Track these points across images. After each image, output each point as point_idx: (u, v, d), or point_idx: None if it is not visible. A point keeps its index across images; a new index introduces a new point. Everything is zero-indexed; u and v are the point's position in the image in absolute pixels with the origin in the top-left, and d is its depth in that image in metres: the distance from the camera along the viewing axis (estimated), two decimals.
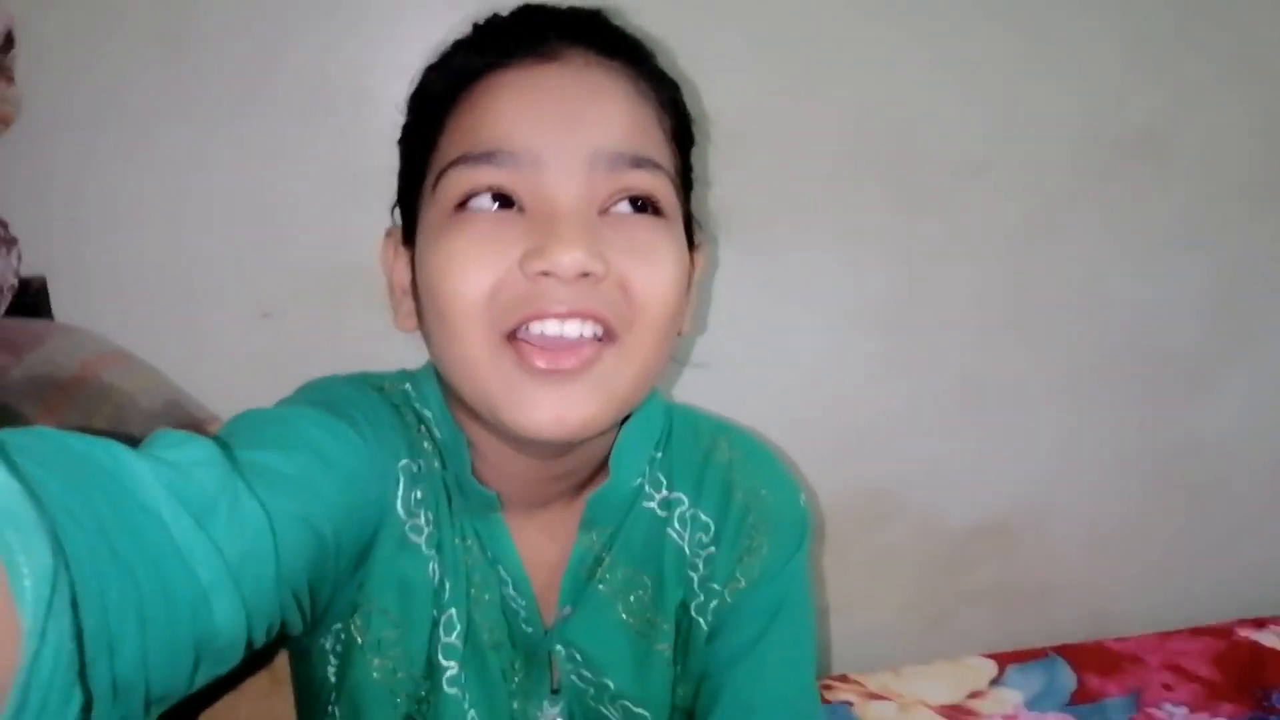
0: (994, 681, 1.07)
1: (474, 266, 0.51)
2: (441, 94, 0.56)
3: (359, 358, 0.86)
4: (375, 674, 0.59)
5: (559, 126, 0.51)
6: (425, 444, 0.60)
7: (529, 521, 0.64)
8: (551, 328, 0.51)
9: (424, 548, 0.59)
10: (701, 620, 0.68)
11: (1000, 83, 0.93)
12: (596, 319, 0.51)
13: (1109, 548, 1.12)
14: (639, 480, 0.66)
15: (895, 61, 0.91)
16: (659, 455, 0.67)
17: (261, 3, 0.84)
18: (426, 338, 0.57)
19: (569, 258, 0.49)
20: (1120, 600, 1.14)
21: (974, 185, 0.96)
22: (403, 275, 0.60)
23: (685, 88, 0.61)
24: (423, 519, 0.59)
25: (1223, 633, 1.11)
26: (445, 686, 0.60)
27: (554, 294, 0.50)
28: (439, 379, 0.62)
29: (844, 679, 1.06)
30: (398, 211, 0.62)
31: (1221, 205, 1.00)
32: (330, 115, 0.87)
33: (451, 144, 0.54)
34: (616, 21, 0.59)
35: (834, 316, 0.98)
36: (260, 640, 0.45)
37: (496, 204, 0.52)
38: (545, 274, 0.50)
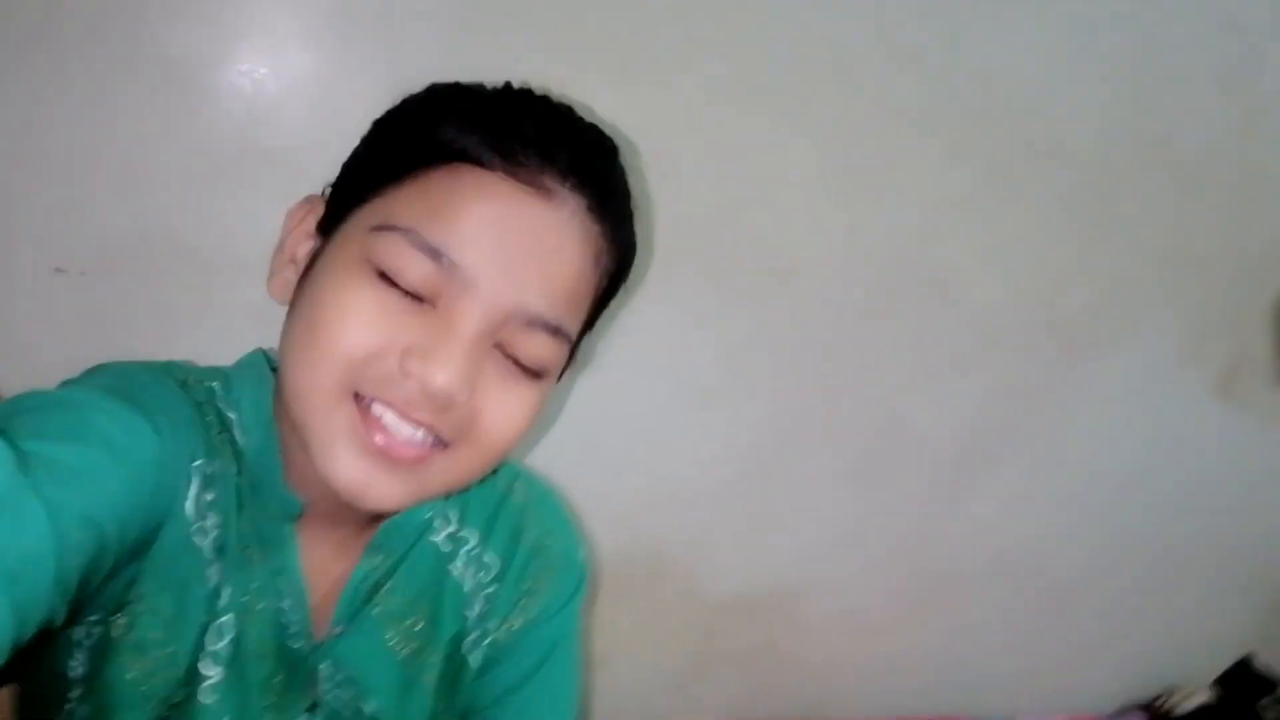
0: None
1: (364, 329, 0.52)
2: (435, 145, 0.55)
3: (154, 327, 0.83)
4: (130, 674, 0.56)
5: (507, 268, 0.52)
6: (223, 447, 0.59)
7: (318, 537, 0.63)
8: (393, 418, 0.53)
9: (206, 551, 0.57)
10: (470, 657, 0.69)
11: (824, 203, 1.03)
12: (436, 435, 0.54)
13: (851, 631, 1.23)
14: (429, 514, 0.67)
15: (737, 163, 0.99)
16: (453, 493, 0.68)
17: None
18: (285, 331, 0.57)
19: (444, 380, 0.51)
20: (851, 681, 1.25)
21: (785, 289, 1.05)
22: (298, 249, 0.60)
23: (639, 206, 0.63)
24: (210, 522, 0.57)
25: None
26: (202, 695, 0.58)
27: (413, 397, 0.52)
28: (264, 378, 0.61)
29: None
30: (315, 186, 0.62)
31: (987, 342, 1.14)
32: (169, 79, 0.84)
33: (411, 204, 0.53)
34: (621, 173, 0.60)
35: (637, 385, 1.03)
36: (26, 640, 0.44)
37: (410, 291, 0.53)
38: (414, 378, 0.52)
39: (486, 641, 0.69)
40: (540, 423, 0.58)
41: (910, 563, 1.22)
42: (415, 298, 0.53)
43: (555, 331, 0.56)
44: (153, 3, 0.82)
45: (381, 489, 0.54)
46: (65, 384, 0.55)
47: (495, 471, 0.71)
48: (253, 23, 0.84)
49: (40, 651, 0.60)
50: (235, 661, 0.60)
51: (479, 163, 0.54)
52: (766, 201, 1.02)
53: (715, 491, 1.11)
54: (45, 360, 0.60)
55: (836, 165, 1.02)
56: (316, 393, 0.53)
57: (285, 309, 0.60)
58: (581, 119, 0.60)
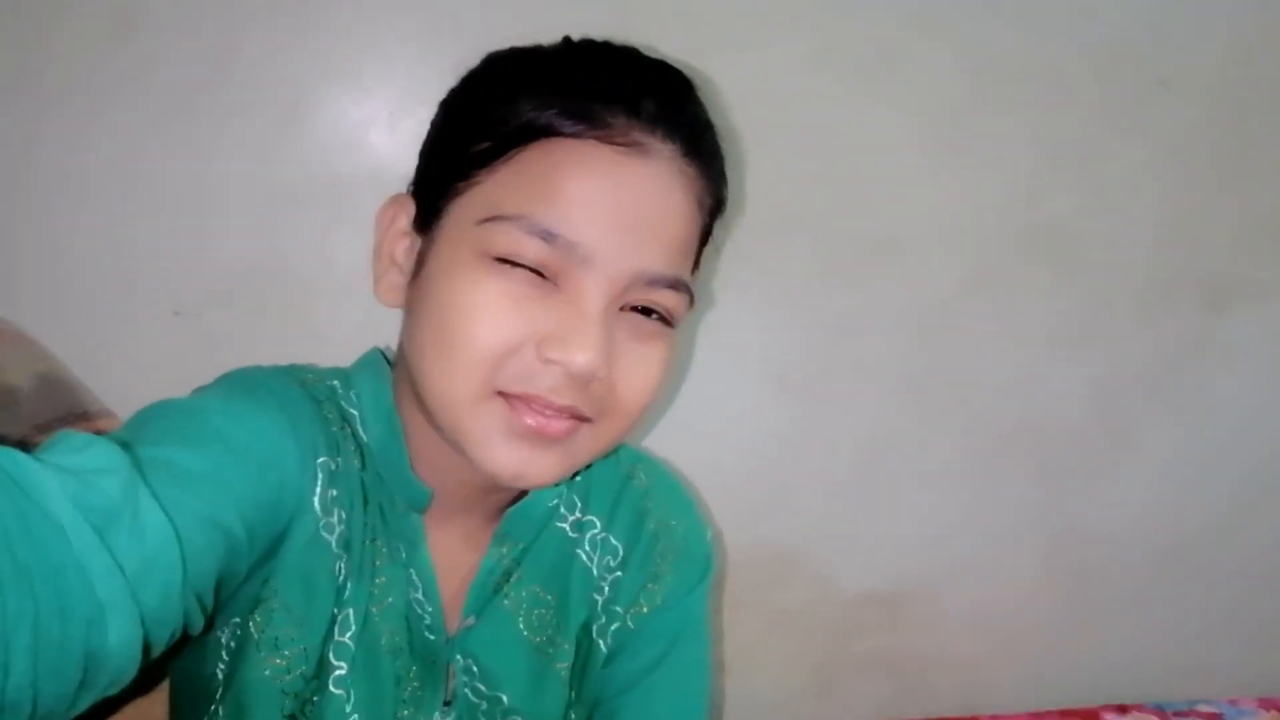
0: None
1: (497, 326, 0.53)
2: (521, 124, 0.54)
3: (275, 360, 0.85)
4: (267, 671, 0.57)
5: (622, 236, 0.53)
6: (345, 442, 0.60)
7: (445, 528, 0.63)
8: (539, 406, 0.54)
9: (334, 545, 0.58)
10: (601, 643, 0.68)
11: (924, 169, 0.99)
12: (579, 414, 0.55)
13: (992, 624, 1.15)
14: (555, 501, 0.67)
15: (831, 133, 0.96)
16: (577, 479, 0.69)
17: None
18: (412, 336, 0.57)
19: (585, 359, 0.52)
20: (1000, 678, 1.17)
21: (891, 262, 1.01)
22: (396, 250, 0.60)
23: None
24: (336, 517, 0.58)
25: (1090, 716, 1.15)
26: (331, 687, 0.58)
27: (554, 384, 0.53)
28: (392, 374, 0.62)
29: None
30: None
31: (1115, 305, 1.07)
32: (266, 120, 0.86)
33: (515, 190, 0.53)
34: (703, 107, 0.60)
35: (749, 373, 1.00)
36: (160, 648, 0.44)
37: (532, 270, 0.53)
38: (556, 363, 0.52)
39: (615, 627, 0.68)
40: (674, 375, 0.58)
41: (1051, 546, 1.14)
42: (538, 277, 0.53)
43: (675, 285, 0.56)
44: (293, 51, 0.85)
45: (538, 466, 0.55)
46: (195, 391, 0.57)
47: (616, 455, 0.71)
48: (353, 53, 0.86)
49: (186, 657, 0.61)
50: (365, 655, 0.60)
51: (568, 135, 0.53)
52: (863, 171, 0.98)
53: (835, 482, 1.06)
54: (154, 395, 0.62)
55: (933, 126, 0.98)
56: (463, 396, 0.54)
57: (396, 312, 0.60)
58: (649, 59, 0.59)
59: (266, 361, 0.89)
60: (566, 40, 0.60)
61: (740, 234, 0.96)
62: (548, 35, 0.61)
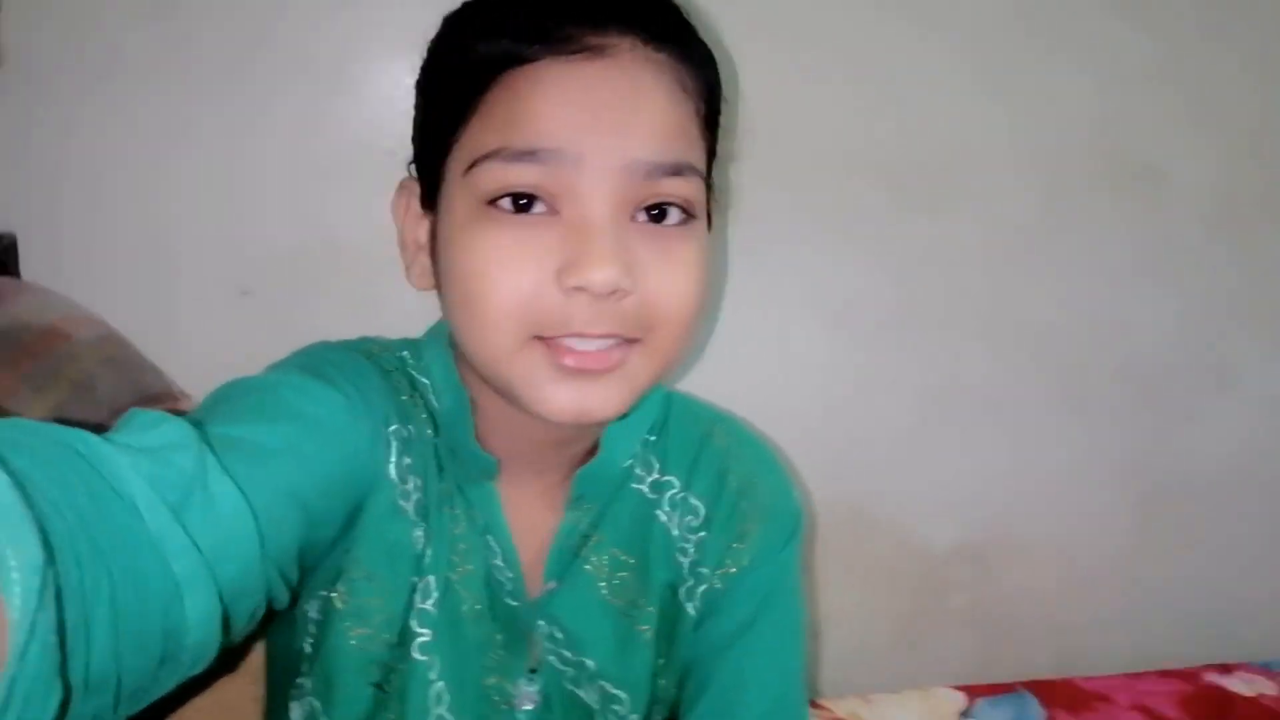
0: (963, 714, 1.04)
1: (510, 271, 0.51)
2: (477, 67, 0.54)
3: (339, 335, 0.85)
4: (353, 640, 0.57)
5: (601, 133, 0.51)
6: (417, 411, 0.60)
7: (521, 493, 0.63)
8: (577, 341, 0.52)
9: (411, 514, 0.58)
10: (690, 606, 0.67)
11: (993, 98, 0.95)
12: (623, 338, 0.53)
13: (1085, 580, 1.11)
14: (629, 461, 0.66)
15: (896, 65, 0.92)
16: (653, 439, 0.67)
17: None
18: (446, 311, 0.57)
19: (602, 275, 0.50)
20: (1092, 637, 1.14)
21: (960, 197, 0.97)
22: (417, 233, 0.59)
23: (721, 64, 0.60)
24: (411, 485, 0.58)
25: (1191, 676, 1.11)
26: (416, 653, 0.59)
27: (585, 313, 0.51)
28: (450, 342, 0.61)
29: (812, 704, 1.04)
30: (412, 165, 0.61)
31: (1201, 230, 1.02)
32: (316, 91, 0.86)
33: (488, 131, 0.52)
34: None
35: (821, 318, 0.98)
36: (243, 622, 0.44)
37: (530, 203, 0.52)
38: (579, 289, 0.51)
39: (701, 589, 0.67)
40: (712, 278, 0.56)
41: (1146, 494, 1.10)
42: (538, 213, 0.52)
43: (678, 170, 0.53)
44: (336, 21, 0.85)
45: (597, 401, 0.53)
46: (267, 369, 0.57)
47: (694, 415, 0.70)
48: (404, 17, 0.85)
49: (276, 632, 0.62)
50: (448, 621, 0.60)
51: (523, 60, 0.52)
52: (926, 106, 0.94)
53: (913, 431, 1.03)
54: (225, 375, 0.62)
55: (1000, 55, 0.94)
56: (502, 351, 0.53)
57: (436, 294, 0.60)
58: None
59: (333, 336, 0.89)
60: None
61: (805, 172, 0.93)
62: None
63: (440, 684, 0.59)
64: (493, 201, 0.52)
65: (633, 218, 0.53)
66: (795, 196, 0.93)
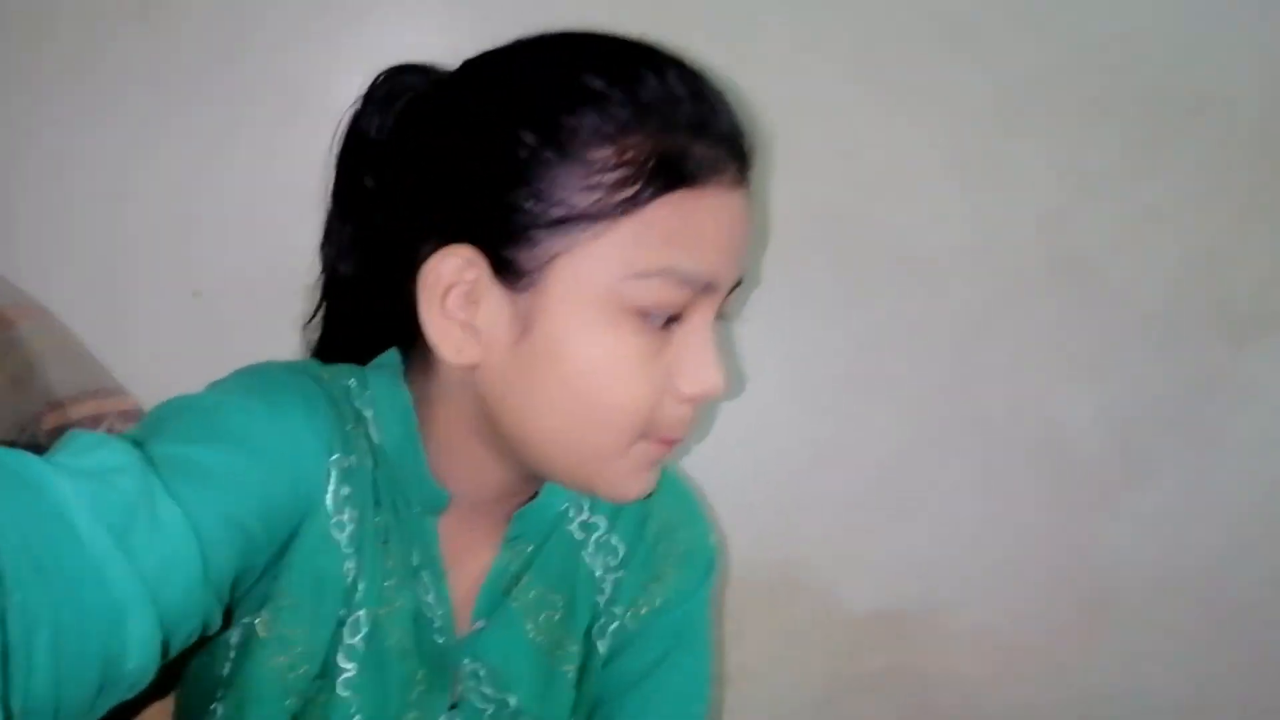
0: None
1: (645, 385, 0.53)
2: (652, 170, 0.50)
3: (291, 346, 0.85)
4: (270, 669, 0.56)
5: (734, 265, 0.55)
6: (358, 442, 0.58)
7: (457, 532, 0.62)
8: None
9: (344, 545, 0.56)
10: (599, 643, 0.68)
11: (951, 189, 0.98)
12: None
13: (998, 648, 1.14)
14: (565, 504, 0.66)
15: (857, 153, 0.95)
16: None
17: None
18: (523, 390, 0.53)
19: (720, 387, 0.54)
20: (1003, 701, 1.16)
21: (915, 280, 1.00)
22: (465, 307, 0.53)
23: None
24: (347, 516, 0.56)
25: None
26: (339, 689, 0.58)
27: (689, 416, 0.56)
28: (409, 376, 0.61)
29: None
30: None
31: (1135, 334, 1.06)
32: (286, 107, 0.86)
33: (653, 243, 0.50)
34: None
35: (765, 388, 0.99)
36: (179, 647, 0.44)
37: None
38: (696, 398, 0.54)
39: (613, 627, 0.68)
40: None
41: (1065, 575, 1.13)
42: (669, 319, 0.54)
43: (739, 283, 0.58)
44: (313, 34, 0.85)
45: (651, 485, 0.58)
46: (211, 386, 0.56)
47: None
48: (370, 45, 0.86)
49: (196, 656, 0.60)
50: (374, 657, 0.59)
51: (705, 181, 0.52)
52: (890, 188, 0.97)
53: (848, 498, 1.05)
54: (189, 382, 0.62)
55: (962, 144, 0.97)
56: (611, 451, 0.55)
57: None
58: (711, 81, 0.56)
59: (283, 351, 0.89)
60: (658, 61, 0.53)
61: (766, 251, 0.95)
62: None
63: (358, 718, 0.58)
64: (641, 311, 0.51)
65: None
66: (749, 273, 0.96)
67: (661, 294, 0.51)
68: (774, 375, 1.00)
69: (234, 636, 0.57)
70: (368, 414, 0.59)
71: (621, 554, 0.68)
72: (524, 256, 0.51)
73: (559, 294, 0.51)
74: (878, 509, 1.06)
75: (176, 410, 0.51)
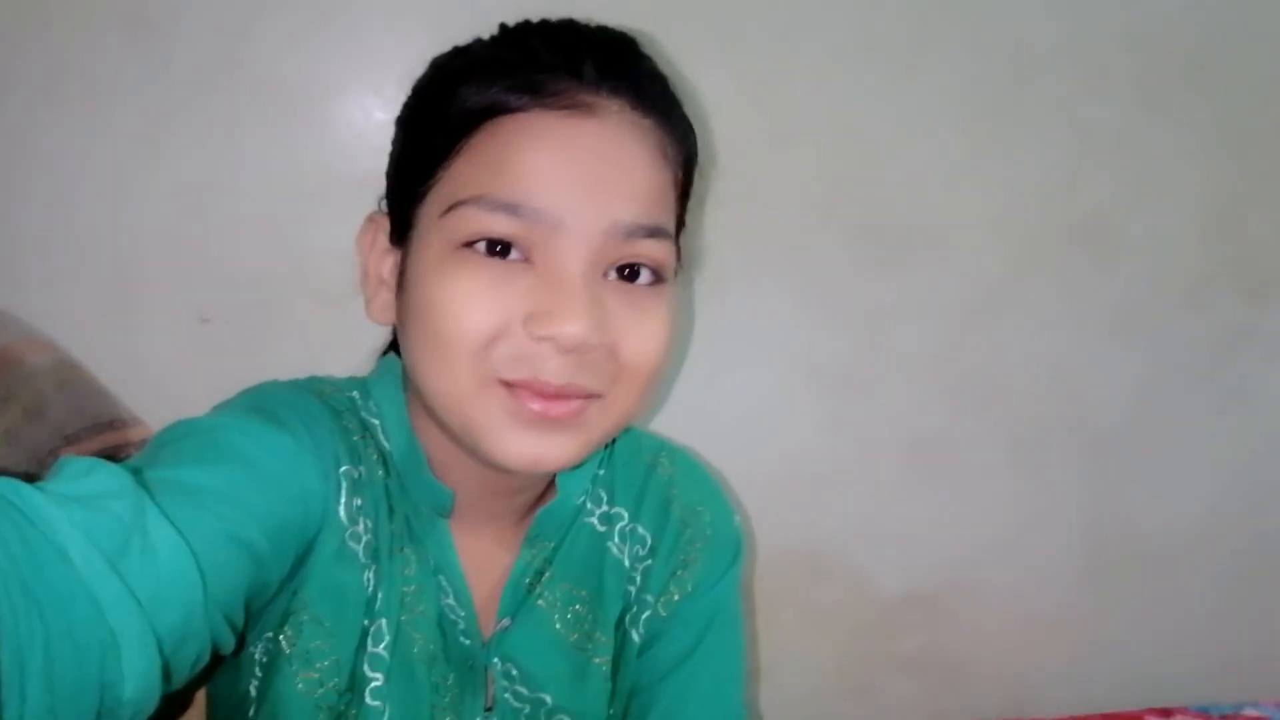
0: None
1: (478, 311, 0.51)
2: (463, 111, 0.54)
3: (301, 366, 0.85)
4: (300, 685, 0.56)
5: (585, 194, 0.52)
6: (367, 452, 0.59)
7: (475, 534, 0.63)
8: (541, 390, 0.53)
9: (361, 556, 0.57)
10: (634, 632, 0.68)
11: (962, 158, 0.97)
12: (587, 391, 0.54)
13: (1032, 625, 1.13)
14: (582, 497, 0.66)
15: (866, 124, 0.94)
16: (601, 472, 0.68)
17: None
18: (407, 348, 0.57)
19: (573, 329, 0.50)
20: (1040, 680, 1.15)
21: (927, 253, 0.99)
22: (381, 267, 0.59)
23: (697, 126, 0.61)
24: (361, 527, 0.57)
25: (1132, 719, 1.13)
26: (368, 699, 0.57)
27: (549, 363, 0.52)
28: (404, 383, 0.61)
29: None
30: (382, 200, 0.61)
31: (1158, 296, 1.04)
32: (286, 118, 0.85)
33: (469, 176, 0.53)
34: (650, 61, 0.59)
35: (783, 368, 0.99)
36: (185, 670, 0.44)
37: (503, 249, 0.52)
38: (546, 339, 0.51)
39: (646, 615, 0.68)
40: (678, 339, 0.57)
41: (1094, 544, 1.12)
42: (512, 260, 0.52)
43: (654, 233, 0.55)
44: (307, 43, 0.84)
45: (552, 451, 0.54)
46: (213, 410, 0.56)
47: (639, 445, 0.71)
48: (377, 51, 0.85)
49: (221, 676, 0.61)
50: (400, 665, 0.59)
51: (511, 109, 0.53)
52: (901, 157, 0.96)
53: (871, 480, 1.04)
54: (200, 409, 0.62)
55: (972, 115, 0.96)
56: (463, 391, 0.53)
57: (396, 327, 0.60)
58: (588, 26, 0.58)
59: (293, 368, 0.89)
60: (503, 25, 0.59)
61: (777, 226, 0.94)
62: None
63: None
64: (468, 244, 0.52)
65: (605, 275, 0.54)
66: (762, 249, 0.95)
67: (477, 222, 0.51)
68: (791, 357, 0.99)
69: (258, 654, 0.57)
70: (374, 423, 0.60)
71: (649, 542, 0.68)
72: (400, 215, 0.57)
73: (414, 242, 0.55)
74: (904, 488, 1.05)
75: (176, 434, 0.51)
